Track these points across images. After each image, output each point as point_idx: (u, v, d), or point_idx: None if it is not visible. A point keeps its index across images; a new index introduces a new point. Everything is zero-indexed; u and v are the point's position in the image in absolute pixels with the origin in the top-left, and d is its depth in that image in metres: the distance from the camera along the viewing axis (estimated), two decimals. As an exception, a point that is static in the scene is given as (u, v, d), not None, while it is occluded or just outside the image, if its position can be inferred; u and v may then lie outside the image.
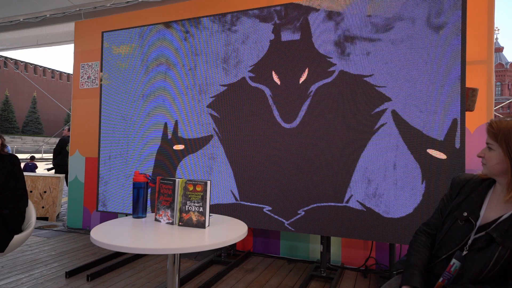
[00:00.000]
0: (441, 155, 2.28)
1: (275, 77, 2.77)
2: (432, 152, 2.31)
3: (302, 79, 2.68)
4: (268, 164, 2.75)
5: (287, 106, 2.72)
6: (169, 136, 3.11)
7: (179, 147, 3.03)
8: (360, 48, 2.52)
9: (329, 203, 2.55)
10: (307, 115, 2.66)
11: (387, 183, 2.42)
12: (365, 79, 2.50)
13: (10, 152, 2.48)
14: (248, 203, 2.79)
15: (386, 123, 2.43)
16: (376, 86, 2.46)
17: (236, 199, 2.84)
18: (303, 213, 2.62)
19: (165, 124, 3.12)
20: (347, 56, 2.55)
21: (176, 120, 3.09)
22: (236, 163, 2.86)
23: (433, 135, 2.32)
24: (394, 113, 2.41)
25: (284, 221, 2.67)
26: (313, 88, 2.64)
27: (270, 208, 2.72)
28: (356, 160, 2.50)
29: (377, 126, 2.45)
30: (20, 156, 2.37)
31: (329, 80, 2.60)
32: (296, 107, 2.69)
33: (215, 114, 2.94)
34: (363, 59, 2.50)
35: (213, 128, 2.95)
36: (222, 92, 2.94)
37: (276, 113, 2.75)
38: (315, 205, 2.59)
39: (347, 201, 2.50)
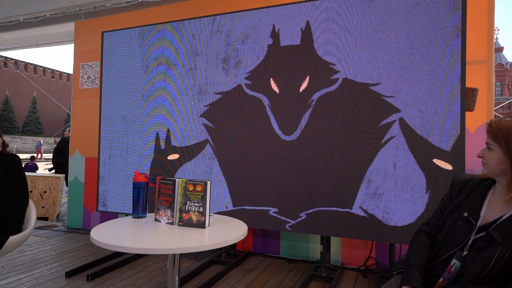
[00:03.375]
0: (447, 166, 2.27)
1: (274, 85, 2.73)
2: (438, 162, 2.29)
3: (302, 88, 2.65)
4: (266, 176, 2.75)
5: (287, 116, 2.69)
6: (162, 146, 3.11)
7: (173, 156, 3.02)
8: (361, 52, 2.51)
9: (331, 208, 2.55)
10: (308, 126, 2.62)
11: (388, 183, 2.42)
12: (371, 87, 2.47)
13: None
14: (251, 207, 2.79)
15: (394, 136, 2.41)
16: (383, 95, 2.44)
17: (226, 207, 2.84)
18: (304, 216, 2.62)
19: (157, 134, 3.12)
20: (351, 61, 2.54)
21: (168, 129, 3.07)
22: (231, 176, 2.85)
23: (433, 139, 2.31)
24: (401, 121, 2.39)
25: (291, 221, 2.66)
26: (315, 97, 2.62)
27: (276, 210, 2.72)
28: (363, 172, 2.48)
29: (385, 140, 2.43)
30: (20, 156, 2.36)
31: (332, 88, 2.57)
32: (296, 117, 2.66)
33: (210, 124, 2.94)
34: (365, 63, 2.50)
35: (207, 139, 2.94)
36: (216, 101, 2.93)
37: (274, 124, 2.72)
38: (317, 209, 2.59)
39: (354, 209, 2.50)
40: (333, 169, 2.55)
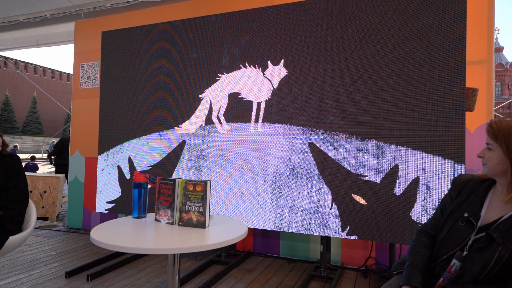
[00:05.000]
0: (447, 166, 2.28)
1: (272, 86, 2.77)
2: (438, 162, 2.31)
3: (301, 89, 2.67)
4: (267, 177, 2.75)
5: (286, 117, 2.71)
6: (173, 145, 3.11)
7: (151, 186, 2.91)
8: (361, 52, 2.51)
9: (332, 208, 2.55)
10: (309, 126, 2.66)
11: (385, 183, 2.42)
12: (370, 88, 2.49)
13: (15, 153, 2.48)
14: (252, 208, 2.79)
15: (395, 137, 2.43)
16: (382, 95, 2.46)
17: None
18: (305, 216, 2.62)
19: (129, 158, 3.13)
20: (351, 61, 2.55)
21: (184, 141, 3.09)
22: (233, 178, 2.85)
23: (433, 139, 2.31)
24: (401, 121, 2.41)
25: (292, 221, 2.67)
26: (314, 99, 2.63)
27: (278, 211, 2.72)
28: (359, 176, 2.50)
29: (386, 140, 2.45)
30: (20, 156, 2.38)
31: (331, 89, 2.59)
32: (297, 118, 2.68)
33: (210, 124, 2.95)
34: (365, 63, 2.50)
35: (207, 140, 2.96)
36: (217, 101, 2.94)
37: (275, 125, 2.74)
38: (318, 209, 2.59)
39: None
40: (333, 170, 2.55)
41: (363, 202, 2.45)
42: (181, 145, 3.06)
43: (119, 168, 3.28)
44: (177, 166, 3.06)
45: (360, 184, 2.47)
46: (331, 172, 2.55)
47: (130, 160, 3.23)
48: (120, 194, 3.28)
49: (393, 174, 2.40)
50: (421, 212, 2.33)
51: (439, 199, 2.30)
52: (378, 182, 2.43)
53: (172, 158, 3.09)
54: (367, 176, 2.46)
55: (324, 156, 2.58)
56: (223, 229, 1.65)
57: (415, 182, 2.35)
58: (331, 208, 2.53)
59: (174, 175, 3.06)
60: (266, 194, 2.74)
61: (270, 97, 2.77)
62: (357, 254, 3.09)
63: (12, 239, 2.12)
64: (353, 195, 2.48)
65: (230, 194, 2.86)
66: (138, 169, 3.21)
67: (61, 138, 6.37)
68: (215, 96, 2.96)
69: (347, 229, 2.49)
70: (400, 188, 2.38)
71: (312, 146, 2.60)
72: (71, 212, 4.36)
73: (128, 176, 3.24)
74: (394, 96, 2.41)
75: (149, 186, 1.86)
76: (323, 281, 2.76)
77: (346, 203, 2.50)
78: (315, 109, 2.62)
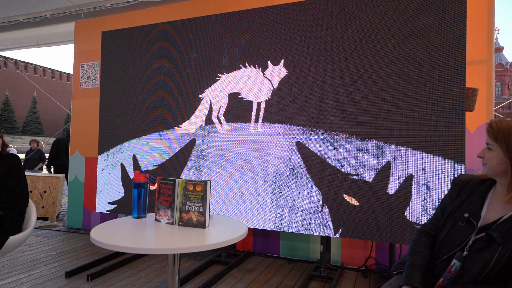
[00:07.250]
0: (447, 166, 2.28)
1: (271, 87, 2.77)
2: (438, 162, 2.31)
3: (301, 89, 2.67)
4: (267, 177, 2.75)
5: (286, 117, 2.71)
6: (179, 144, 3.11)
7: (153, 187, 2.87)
8: (361, 51, 2.51)
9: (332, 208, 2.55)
10: (309, 126, 2.66)
11: (384, 184, 2.42)
12: (370, 88, 2.49)
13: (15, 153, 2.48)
14: (252, 208, 2.79)
15: (390, 161, 2.43)
16: (382, 95, 2.46)
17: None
18: (305, 216, 2.62)
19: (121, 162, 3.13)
20: (351, 61, 2.54)
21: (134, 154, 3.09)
22: (233, 178, 2.85)
23: (433, 139, 2.31)
24: (401, 121, 2.41)
25: (292, 221, 2.67)
26: (313, 98, 2.63)
27: (278, 211, 2.72)
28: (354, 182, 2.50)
29: (386, 140, 2.46)
30: (20, 156, 2.39)
31: (331, 89, 2.59)
32: (297, 118, 2.68)
33: (210, 124, 2.95)
34: (365, 63, 2.50)
35: (207, 140, 2.95)
36: (217, 101, 2.94)
37: (275, 126, 2.74)
38: (318, 209, 2.59)
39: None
40: (333, 170, 2.55)
41: (355, 202, 2.45)
42: (191, 143, 3.04)
43: (122, 166, 3.26)
44: (179, 165, 3.06)
45: (352, 184, 2.47)
46: (321, 172, 2.55)
47: (134, 158, 3.20)
48: (120, 193, 3.28)
49: (385, 172, 2.40)
50: (421, 212, 2.33)
51: (439, 199, 2.30)
52: (370, 181, 2.43)
53: (180, 157, 3.09)
54: (357, 175, 2.45)
55: (313, 156, 2.57)
56: (223, 229, 1.65)
57: (408, 179, 2.34)
58: (321, 210, 2.53)
59: (181, 175, 3.06)
60: (266, 194, 2.74)
61: (270, 97, 2.77)
62: (357, 254, 3.09)
63: (12, 239, 2.12)
64: (344, 195, 2.48)
65: (230, 194, 2.86)
66: (142, 168, 3.20)
67: (56, 139, 6.28)
68: (215, 96, 2.96)
69: (340, 231, 2.49)
70: (394, 186, 2.38)
71: (299, 146, 2.60)
72: (71, 212, 4.36)
73: (132, 176, 3.23)
74: (394, 96, 2.41)
75: (151, 187, 1.85)
76: (323, 281, 2.76)
77: (337, 203, 2.50)
78: (315, 109, 2.62)
